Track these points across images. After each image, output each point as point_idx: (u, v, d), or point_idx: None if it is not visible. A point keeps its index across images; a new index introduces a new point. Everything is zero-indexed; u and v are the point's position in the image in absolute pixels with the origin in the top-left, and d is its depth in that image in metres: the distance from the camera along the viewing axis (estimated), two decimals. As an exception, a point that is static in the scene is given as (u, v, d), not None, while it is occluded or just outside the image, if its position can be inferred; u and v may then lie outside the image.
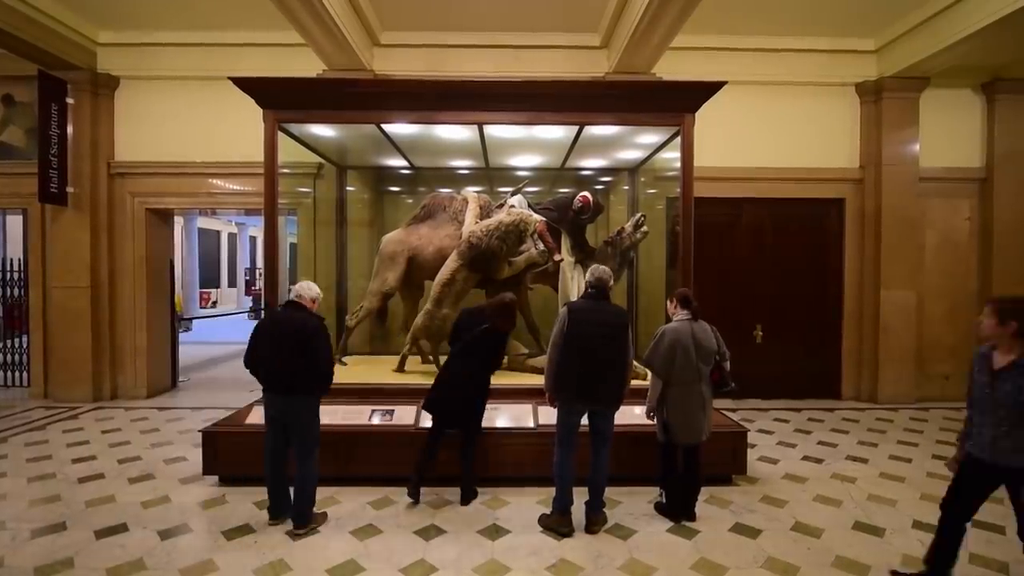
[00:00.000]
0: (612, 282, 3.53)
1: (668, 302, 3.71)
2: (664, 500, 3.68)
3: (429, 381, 4.86)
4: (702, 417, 3.50)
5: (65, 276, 6.48)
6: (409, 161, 6.24)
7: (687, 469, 3.58)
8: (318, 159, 6.02)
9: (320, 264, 6.39)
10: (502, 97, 4.54)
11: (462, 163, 6.62)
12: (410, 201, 7.10)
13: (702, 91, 4.47)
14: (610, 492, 3.90)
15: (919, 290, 6.70)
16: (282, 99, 4.54)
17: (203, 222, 17.86)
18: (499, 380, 4.93)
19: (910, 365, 6.65)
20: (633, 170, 6.43)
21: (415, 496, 3.71)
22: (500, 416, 4.28)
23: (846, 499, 3.93)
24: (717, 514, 3.68)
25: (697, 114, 4.57)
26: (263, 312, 5.30)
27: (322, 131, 5.34)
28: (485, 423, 4.21)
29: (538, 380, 4.82)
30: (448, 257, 5.05)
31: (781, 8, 5.91)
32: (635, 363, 4.99)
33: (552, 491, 3.48)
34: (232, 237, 21.84)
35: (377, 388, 4.53)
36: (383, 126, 4.96)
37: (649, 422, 3.75)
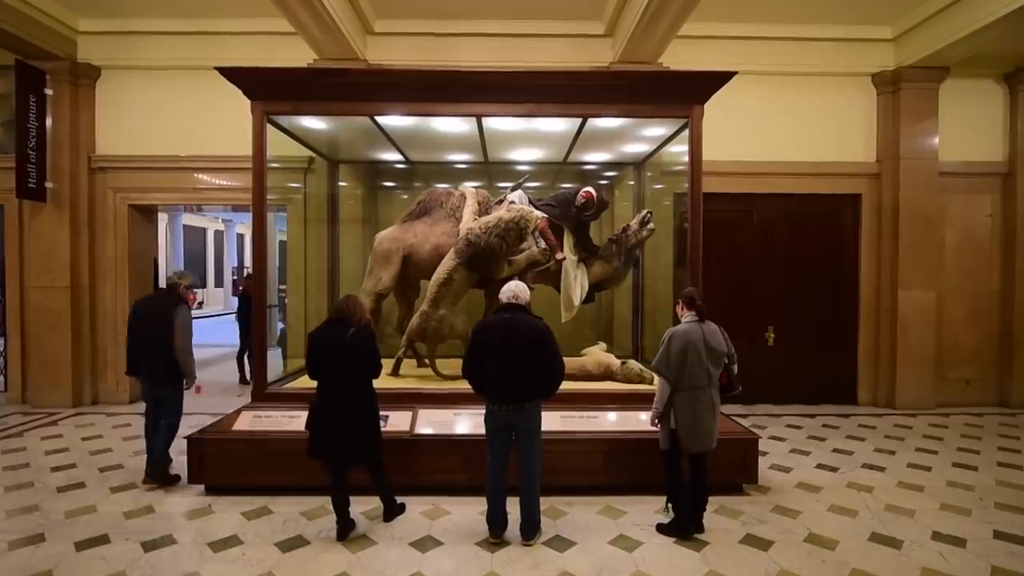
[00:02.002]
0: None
1: (676, 306, 3.68)
2: (671, 517, 3.59)
3: (426, 385, 4.90)
4: (712, 422, 3.47)
5: (43, 276, 6.48)
6: (404, 155, 6.24)
7: (695, 479, 3.56)
8: (309, 153, 6.02)
9: (311, 263, 6.40)
10: (502, 88, 4.55)
11: (460, 157, 6.62)
12: (405, 197, 7.12)
13: (711, 82, 4.48)
14: (615, 501, 3.93)
15: (939, 290, 6.70)
16: (271, 90, 4.55)
17: (188, 219, 17.87)
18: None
19: (929, 369, 6.65)
20: (639, 164, 6.43)
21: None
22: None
23: (862, 509, 3.93)
24: (727, 525, 3.67)
25: (706, 106, 4.58)
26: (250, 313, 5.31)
27: (313, 124, 5.35)
28: (482, 430, 4.21)
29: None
30: (445, 255, 5.06)
31: (794, -6, 5.92)
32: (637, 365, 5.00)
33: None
34: (219, 234, 21.85)
35: (371, 393, 4.52)
36: (377, 118, 4.97)
37: (654, 428, 3.74)
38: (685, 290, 3.72)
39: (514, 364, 3.31)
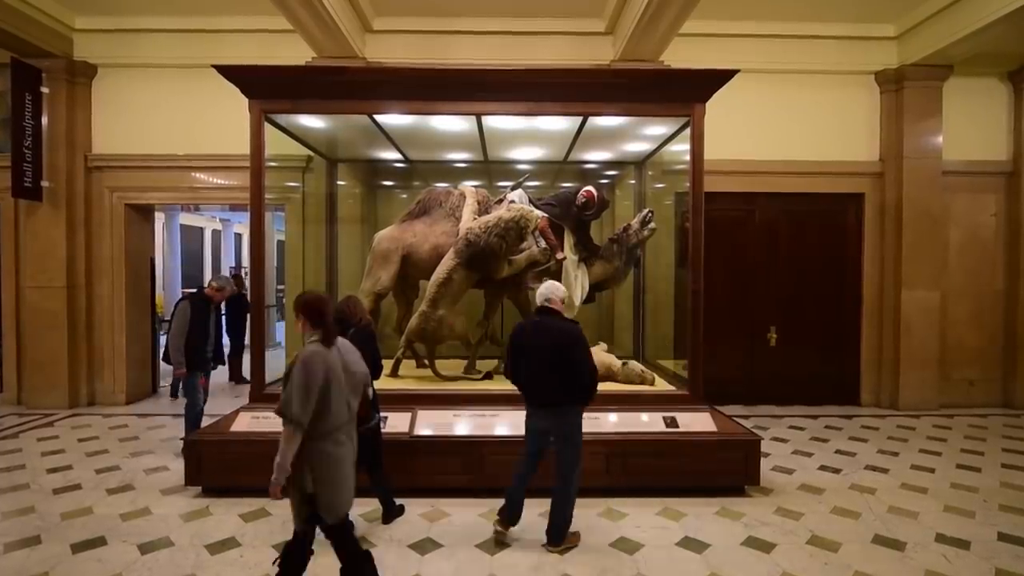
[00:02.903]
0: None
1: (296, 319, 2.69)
2: None
3: (425, 386, 4.90)
4: (353, 476, 2.63)
5: (39, 275, 6.48)
6: (403, 154, 6.24)
7: (349, 557, 2.71)
8: (307, 152, 6.02)
9: (309, 262, 6.39)
10: (501, 86, 4.54)
11: (459, 156, 6.62)
12: (404, 196, 7.11)
13: (713, 80, 4.48)
14: (616, 503, 3.93)
15: (942, 290, 6.70)
16: (269, 88, 4.54)
17: (185, 218, 17.84)
18: (498, 386, 4.95)
19: (933, 369, 6.65)
20: (640, 163, 6.43)
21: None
22: (499, 424, 4.28)
23: (865, 511, 3.93)
24: (729, 527, 3.67)
25: (708, 104, 4.58)
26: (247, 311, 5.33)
27: (311, 122, 5.34)
28: (482, 431, 4.23)
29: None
30: (444, 255, 5.05)
31: (796, -8, 5.92)
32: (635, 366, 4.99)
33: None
34: (216, 234, 21.81)
35: (369, 394, 4.53)
36: (376, 117, 4.97)
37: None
38: (305, 296, 2.73)
39: (544, 369, 3.29)
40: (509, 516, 3.45)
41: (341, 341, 2.73)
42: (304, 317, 2.65)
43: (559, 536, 3.38)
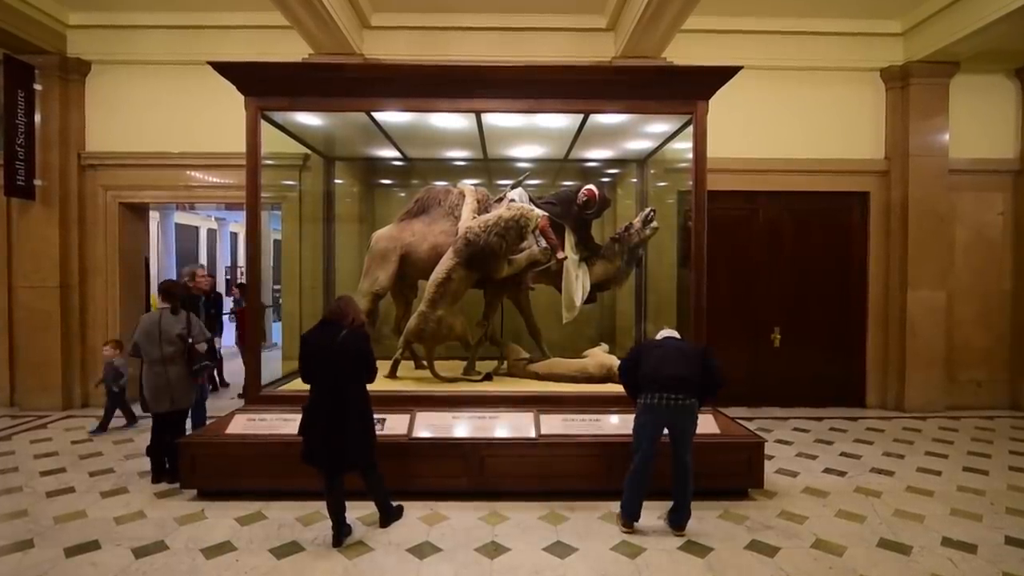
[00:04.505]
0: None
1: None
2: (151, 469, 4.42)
3: (423, 387, 4.90)
4: (166, 390, 4.32)
5: (33, 275, 6.48)
6: (402, 152, 6.24)
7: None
8: (304, 150, 6.02)
9: (306, 262, 6.39)
10: (501, 83, 4.55)
11: (458, 154, 6.62)
12: (403, 195, 7.11)
13: (716, 77, 4.48)
14: (617, 506, 3.91)
15: (949, 290, 6.70)
16: (265, 85, 4.54)
17: (180, 217, 17.86)
18: (498, 387, 4.96)
19: (939, 371, 6.65)
20: (642, 161, 6.43)
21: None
22: (499, 426, 4.28)
23: (870, 515, 3.93)
24: (732, 530, 3.67)
25: (711, 101, 4.58)
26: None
27: (308, 120, 5.34)
28: (482, 433, 4.23)
29: (540, 387, 4.86)
30: (443, 255, 5.05)
31: (801, -12, 5.92)
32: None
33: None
34: (212, 233, 21.84)
35: (367, 395, 4.52)
36: (374, 114, 4.97)
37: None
38: (161, 284, 4.62)
39: (676, 360, 3.58)
40: (635, 513, 3.64)
41: (167, 311, 4.39)
42: (160, 296, 4.48)
43: (685, 521, 3.63)
